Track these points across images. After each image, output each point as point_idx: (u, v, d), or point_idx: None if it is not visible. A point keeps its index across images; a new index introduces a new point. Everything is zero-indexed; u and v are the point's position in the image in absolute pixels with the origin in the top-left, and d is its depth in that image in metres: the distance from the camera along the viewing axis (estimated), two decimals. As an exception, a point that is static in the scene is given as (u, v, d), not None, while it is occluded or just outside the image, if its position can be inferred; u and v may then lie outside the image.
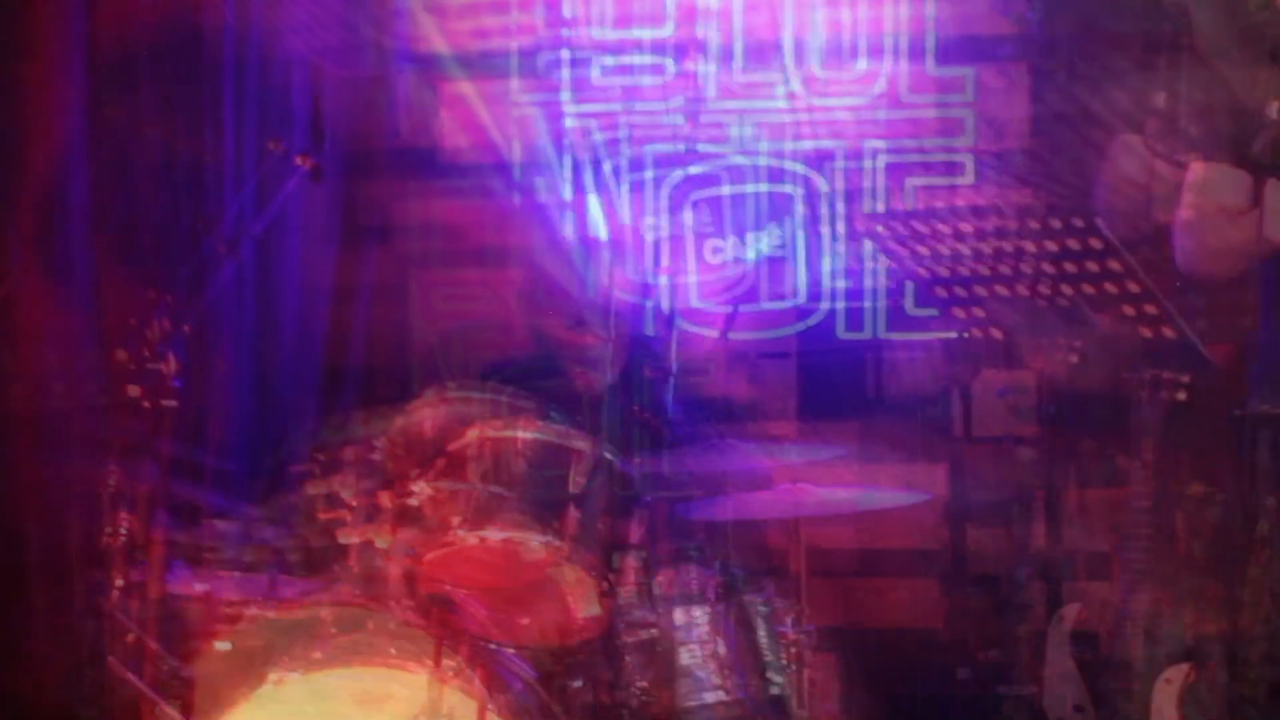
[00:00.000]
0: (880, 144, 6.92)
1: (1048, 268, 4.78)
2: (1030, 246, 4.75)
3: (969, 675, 5.44)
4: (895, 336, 6.87)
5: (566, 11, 7.12)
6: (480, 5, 7.19)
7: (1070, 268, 4.72)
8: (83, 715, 5.57)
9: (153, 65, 6.37)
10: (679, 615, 5.11)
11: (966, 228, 4.80)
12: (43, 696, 6.01)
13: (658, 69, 7.03)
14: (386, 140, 7.17)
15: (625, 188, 7.07)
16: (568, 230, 6.33)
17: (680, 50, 6.88)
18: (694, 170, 6.90)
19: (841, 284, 6.92)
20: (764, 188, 7.01)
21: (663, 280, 6.85)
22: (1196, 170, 4.91)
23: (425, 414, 4.82)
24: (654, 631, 5.16)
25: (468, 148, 7.24)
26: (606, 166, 7.09)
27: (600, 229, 6.37)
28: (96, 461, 5.63)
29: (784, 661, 5.27)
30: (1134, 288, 4.74)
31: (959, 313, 5.01)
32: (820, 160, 6.99)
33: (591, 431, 4.73)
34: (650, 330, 6.11)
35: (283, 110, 6.58)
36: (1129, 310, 4.79)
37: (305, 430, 6.21)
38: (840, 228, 6.94)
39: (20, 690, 6.06)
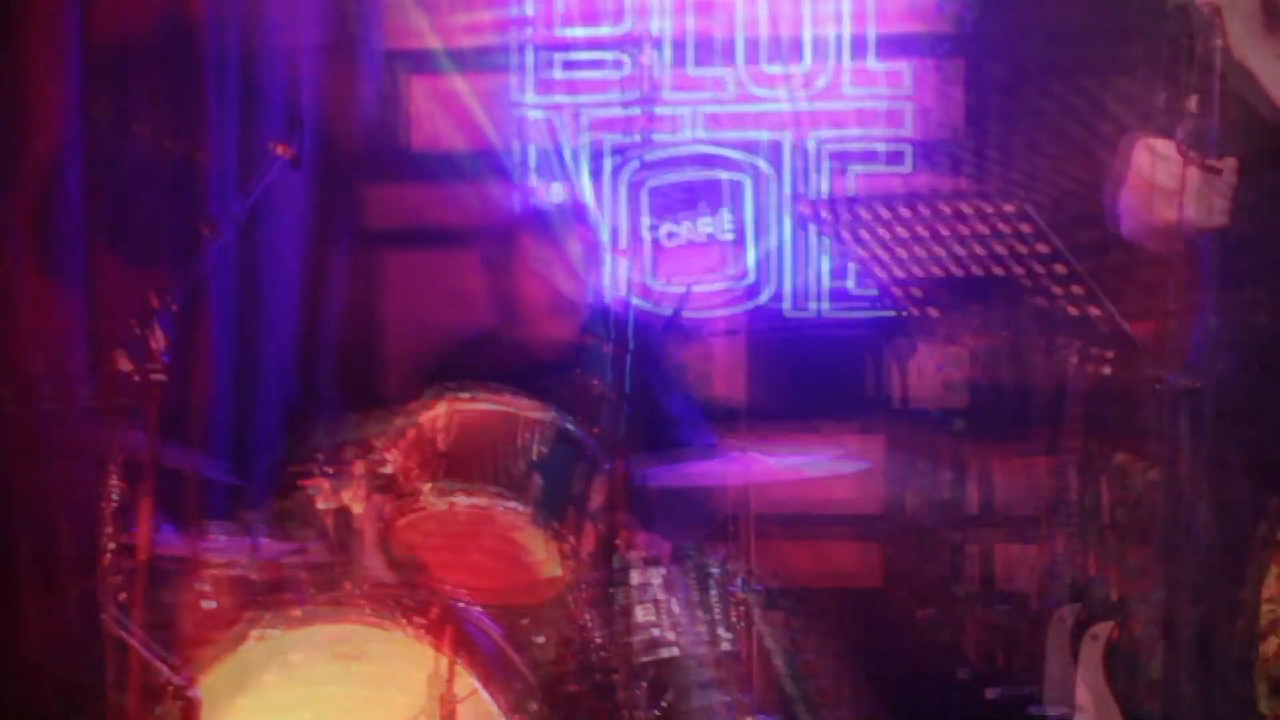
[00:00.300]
0: (825, 134, 7.07)
1: (980, 250, 4.87)
2: (964, 230, 4.84)
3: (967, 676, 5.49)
4: (838, 315, 7.02)
5: (529, 10, 7.23)
6: (449, 2, 7.30)
7: (1001, 250, 4.82)
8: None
9: (146, 58, 6.41)
10: (635, 576, 5.22)
11: (905, 212, 4.89)
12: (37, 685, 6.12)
13: (615, 64, 7.15)
14: (362, 136, 7.26)
15: (586, 176, 7.20)
16: (544, 223, 6.41)
17: (636, 46, 6.96)
18: (649, 158, 6.99)
19: (788, 265, 7.06)
20: (715, 175, 7.16)
21: (620, 262, 6.96)
22: (1140, 147, 5.02)
23: (438, 425, 4.89)
24: (674, 651, 5.32)
25: (440, 143, 7.35)
26: (568, 156, 7.21)
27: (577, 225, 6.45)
28: (90, 433, 5.75)
29: (733, 619, 5.42)
30: (1061, 269, 4.84)
31: (897, 292, 5.10)
32: (768, 149, 7.12)
33: (595, 428, 4.81)
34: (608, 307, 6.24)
35: (269, 101, 6.64)
36: (1057, 290, 4.88)
37: (304, 431, 6.31)
38: (787, 212, 7.07)
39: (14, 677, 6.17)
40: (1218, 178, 4.46)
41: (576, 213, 6.51)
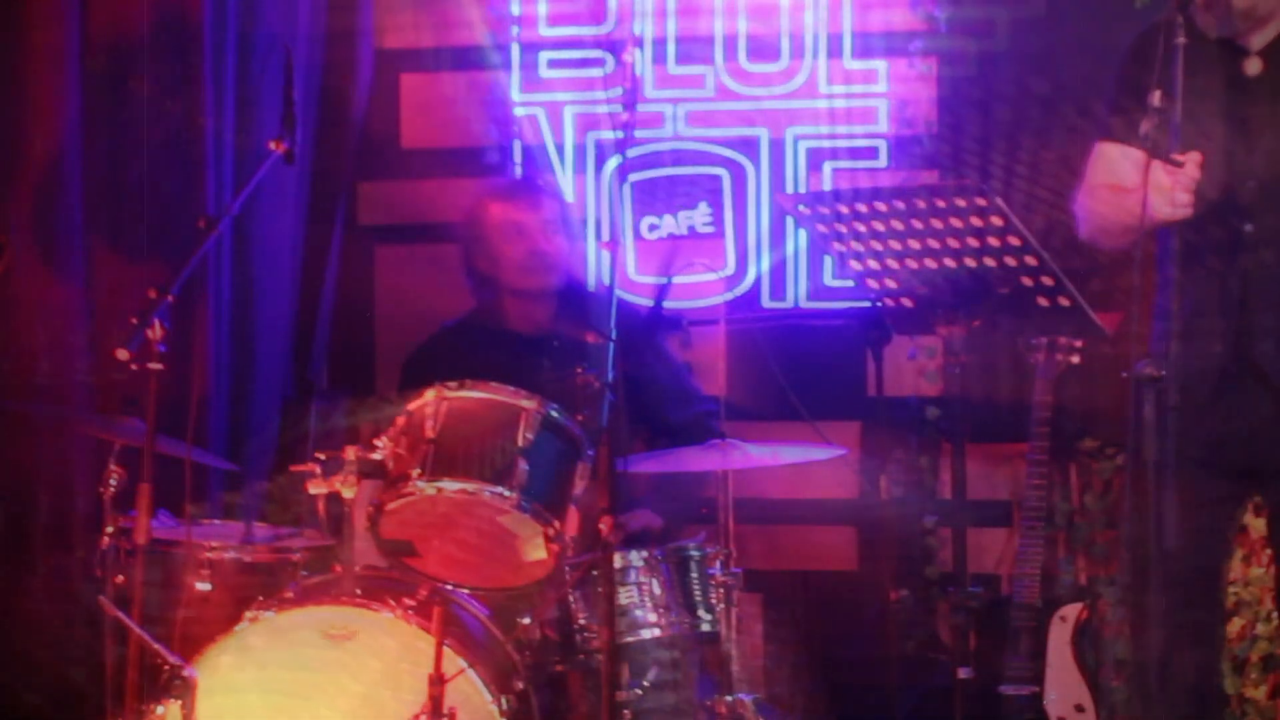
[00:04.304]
0: (801, 130, 7.05)
1: (953, 243, 4.86)
2: (938, 223, 4.83)
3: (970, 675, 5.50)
4: (815, 305, 7.01)
5: (516, 9, 7.21)
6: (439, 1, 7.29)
7: (973, 242, 4.81)
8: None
9: (146, 47, 6.40)
10: (619, 559, 5.20)
11: (880, 206, 4.88)
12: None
13: (599, 62, 7.13)
14: (354, 132, 7.25)
15: (571, 172, 7.19)
16: (509, 191, 6.41)
17: (619, 45, 6.95)
18: (632, 154, 6.98)
19: (766, 257, 7.04)
20: (696, 170, 7.14)
21: (603, 254, 6.97)
22: (1098, 150, 5.02)
23: (426, 413, 4.87)
24: (655, 631, 5.33)
25: (430, 139, 7.35)
26: (554, 152, 7.20)
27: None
28: (90, 420, 5.73)
29: (713, 601, 5.40)
30: (1031, 261, 4.83)
31: (872, 283, 5.09)
32: (747, 145, 7.11)
33: (596, 426, 4.79)
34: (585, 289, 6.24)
35: (266, 98, 6.64)
36: (1027, 281, 4.88)
37: (297, 420, 6.29)
38: (765, 206, 7.05)
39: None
40: (1180, 171, 4.46)
41: (538, 182, 6.51)
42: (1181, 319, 4.79)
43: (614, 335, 4.76)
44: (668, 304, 6.25)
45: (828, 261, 6.92)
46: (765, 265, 7.02)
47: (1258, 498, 5.23)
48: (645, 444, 6.07)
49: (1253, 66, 4.84)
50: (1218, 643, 5.20)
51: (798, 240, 6.99)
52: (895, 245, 4.88)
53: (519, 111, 7.25)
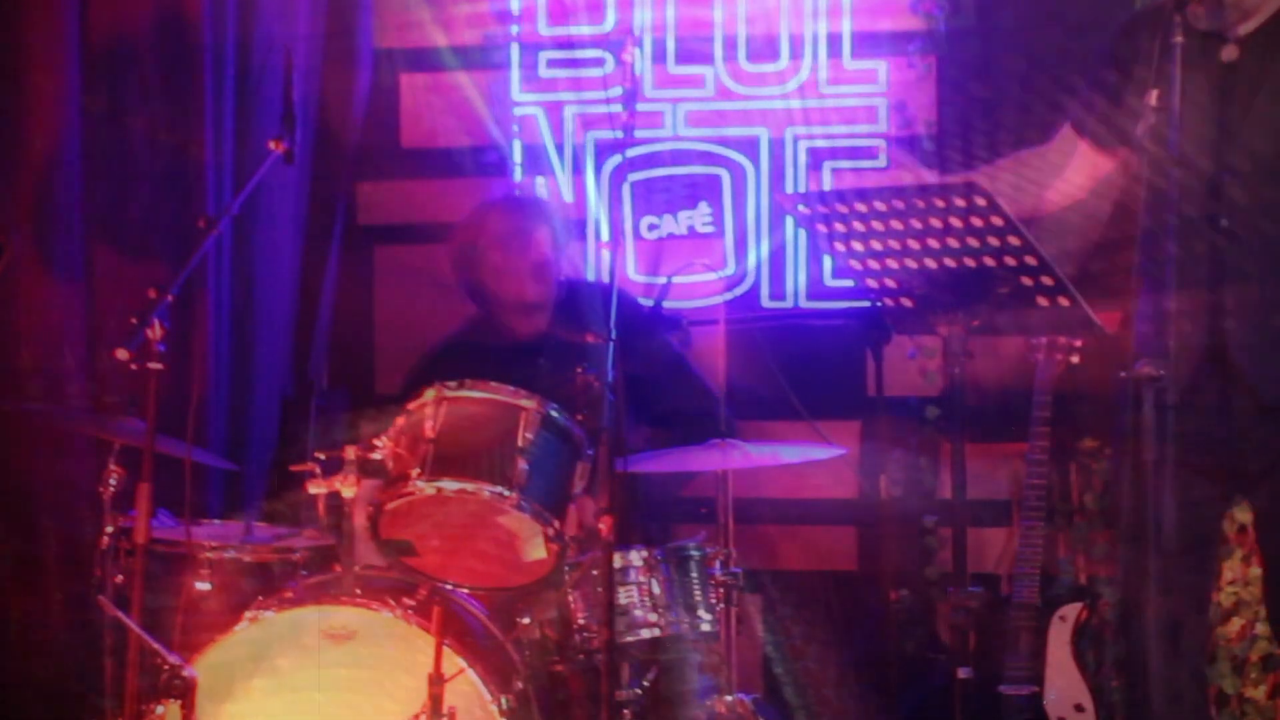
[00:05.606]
0: (801, 130, 7.06)
1: (953, 242, 4.86)
2: (937, 223, 4.83)
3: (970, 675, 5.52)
4: (815, 305, 7.02)
5: (516, 8, 7.23)
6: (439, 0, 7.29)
7: (973, 242, 4.81)
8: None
9: (144, 54, 6.41)
10: (618, 559, 5.20)
11: (880, 205, 4.88)
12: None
13: (598, 62, 7.14)
14: (354, 132, 7.25)
15: (571, 171, 7.20)
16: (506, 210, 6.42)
17: (619, 45, 6.95)
18: (632, 154, 6.99)
19: (765, 257, 7.05)
20: (696, 170, 7.15)
21: (603, 254, 6.99)
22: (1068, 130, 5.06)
23: (426, 413, 4.88)
24: (655, 631, 5.31)
25: (430, 139, 7.36)
26: (553, 152, 7.21)
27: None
28: (90, 420, 5.74)
29: (713, 601, 5.41)
30: (1031, 261, 4.83)
31: (872, 283, 5.09)
32: (747, 145, 7.12)
33: (596, 426, 4.80)
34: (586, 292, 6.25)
35: (265, 98, 6.66)
36: (1027, 281, 4.88)
37: (298, 421, 6.29)
38: (765, 206, 7.06)
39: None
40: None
41: (538, 195, 6.51)
42: (1164, 318, 4.80)
43: (614, 335, 4.76)
44: (668, 304, 6.24)
45: (827, 261, 6.93)
46: (764, 250, 7.04)
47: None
48: (649, 437, 6.06)
49: (1228, 53, 4.85)
50: (1205, 638, 5.23)
51: (797, 237, 7.01)
52: (895, 245, 4.86)
53: (519, 111, 7.26)
